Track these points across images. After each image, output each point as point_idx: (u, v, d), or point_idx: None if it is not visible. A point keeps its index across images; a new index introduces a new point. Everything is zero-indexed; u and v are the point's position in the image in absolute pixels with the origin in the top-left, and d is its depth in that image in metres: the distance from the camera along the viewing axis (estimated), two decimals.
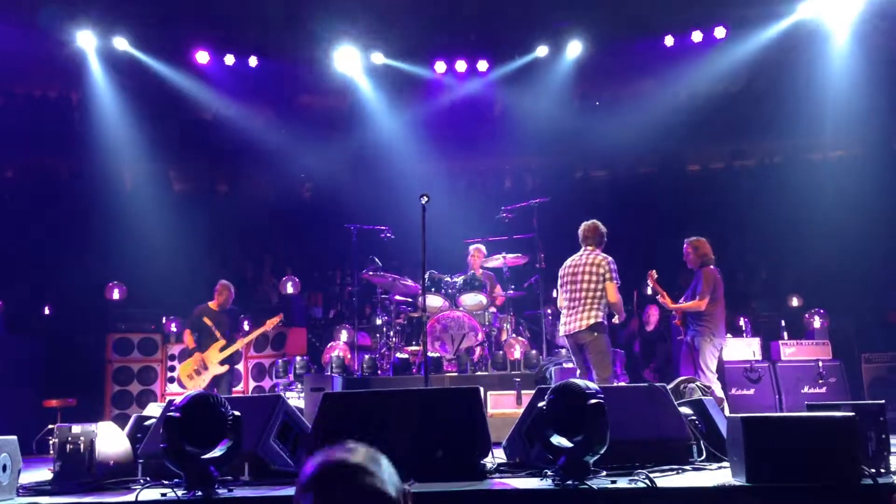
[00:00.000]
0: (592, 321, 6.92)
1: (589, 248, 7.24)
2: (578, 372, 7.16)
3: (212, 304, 9.23)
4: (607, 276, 6.99)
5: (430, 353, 8.43)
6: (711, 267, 7.74)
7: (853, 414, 4.16)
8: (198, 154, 14.04)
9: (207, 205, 14.09)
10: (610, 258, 7.13)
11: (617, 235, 7.69)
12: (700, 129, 13.17)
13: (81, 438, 4.89)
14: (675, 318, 7.92)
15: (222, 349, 8.95)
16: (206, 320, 9.09)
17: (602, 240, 7.27)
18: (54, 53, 11.93)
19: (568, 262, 7.27)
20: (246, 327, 9.86)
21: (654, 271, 7.85)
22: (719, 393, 7.31)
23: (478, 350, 9.34)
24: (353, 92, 13.21)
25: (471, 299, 9.60)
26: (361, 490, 1.54)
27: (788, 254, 12.03)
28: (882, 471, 4.21)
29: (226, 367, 8.99)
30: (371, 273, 9.77)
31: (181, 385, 9.15)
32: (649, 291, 7.86)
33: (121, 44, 11.93)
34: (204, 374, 8.91)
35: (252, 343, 10.49)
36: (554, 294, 11.83)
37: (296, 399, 8.62)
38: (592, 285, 6.98)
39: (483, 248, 10.17)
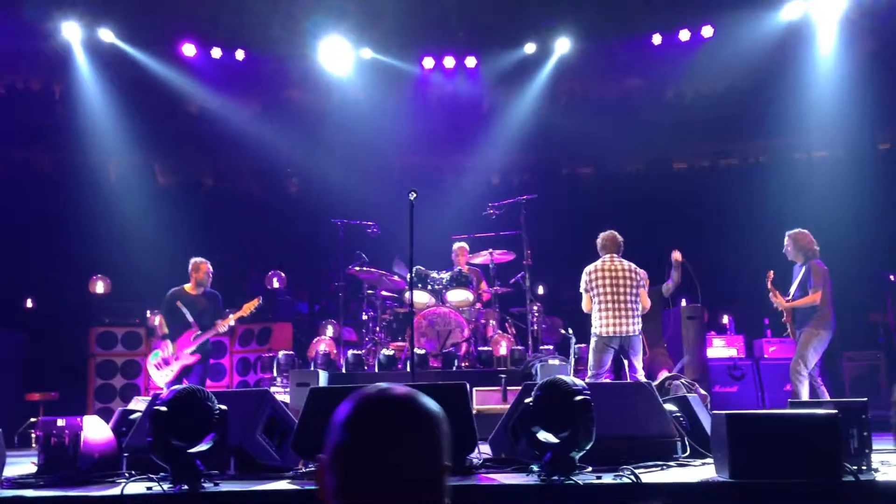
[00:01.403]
0: (641, 325, 7.51)
1: (612, 254, 7.61)
2: (592, 370, 7.49)
3: (188, 287, 8.48)
4: (643, 283, 7.55)
5: (415, 349, 8.43)
6: (818, 259, 7.59)
7: (836, 411, 4.21)
8: (183, 147, 13.95)
9: (192, 198, 14.01)
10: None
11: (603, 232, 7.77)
12: (686, 127, 13.23)
13: (66, 432, 4.87)
14: (785, 317, 7.66)
15: (195, 337, 8.23)
16: (180, 305, 8.35)
17: (621, 248, 7.66)
18: (38, 45, 11.82)
19: (599, 265, 7.60)
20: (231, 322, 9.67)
21: (771, 272, 7.72)
22: (804, 392, 7.15)
23: (464, 346, 9.36)
24: (340, 87, 13.16)
25: (457, 295, 9.62)
26: (406, 420, 1.45)
27: (772, 252, 12.08)
28: (864, 468, 4.27)
29: (196, 357, 8.23)
30: (357, 268, 9.76)
31: (149, 375, 8.54)
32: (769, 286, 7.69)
33: (106, 35, 11.84)
34: (173, 364, 8.16)
35: (237, 337, 10.45)
36: (542, 290, 11.90)
37: (281, 393, 8.59)
38: (634, 290, 7.48)
39: (466, 245, 10.19)
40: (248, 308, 8.60)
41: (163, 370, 8.20)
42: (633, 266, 7.56)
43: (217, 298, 8.61)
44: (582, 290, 7.67)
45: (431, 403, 1.51)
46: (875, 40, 11.76)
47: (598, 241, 7.71)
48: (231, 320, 8.64)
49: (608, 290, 7.42)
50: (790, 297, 7.64)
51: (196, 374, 8.30)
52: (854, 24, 11.34)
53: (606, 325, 7.40)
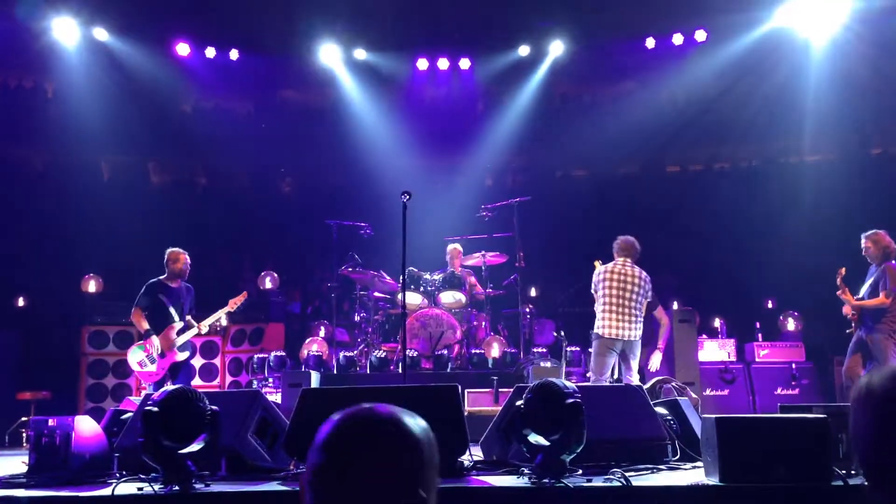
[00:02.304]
0: (641, 331, 7.51)
1: (625, 259, 7.59)
2: (594, 374, 7.49)
3: (166, 279, 8.00)
4: (649, 293, 7.57)
5: (407, 351, 8.44)
6: (894, 262, 7.44)
7: (825, 416, 4.23)
8: (176, 147, 13.92)
9: (186, 198, 13.99)
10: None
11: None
12: (680, 131, 13.27)
13: (57, 431, 4.85)
14: (852, 313, 7.56)
15: (180, 332, 7.83)
16: (161, 297, 7.88)
17: (636, 254, 7.65)
18: (31, 43, 11.78)
19: (610, 267, 7.59)
20: (224, 322, 9.62)
21: (843, 269, 7.59)
22: None
23: (456, 348, 9.37)
24: (334, 87, 13.16)
25: (450, 297, 9.64)
26: (385, 443, 1.41)
27: (764, 256, 12.16)
28: (852, 472, 4.28)
29: (186, 354, 7.90)
30: (350, 269, 9.76)
31: (137, 374, 8.18)
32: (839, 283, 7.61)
33: (100, 34, 11.81)
34: (161, 361, 7.72)
35: (229, 338, 10.44)
36: (534, 292, 11.89)
37: (272, 394, 8.58)
38: (641, 298, 7.49)
39: (460, 247, 10.20)
40: (235, 303, 8.33)
41: (149, 367, 7.76)
42: (645, 274, 7.54)
43: (192, 292, 8.20)
44: (592, 290, 7.70)
45: (416, 426, 1.46)
46: (867, 45, 11.81)
47: (615, 243, 7.69)
48: (216, 317, 8.34)
49: (615, 292, 7.42)
50: (860, 296, 7.54)
51: (186, 372, 8.01)
52: (847, 29, 11.38)
53: (609, 328, 7.40)
